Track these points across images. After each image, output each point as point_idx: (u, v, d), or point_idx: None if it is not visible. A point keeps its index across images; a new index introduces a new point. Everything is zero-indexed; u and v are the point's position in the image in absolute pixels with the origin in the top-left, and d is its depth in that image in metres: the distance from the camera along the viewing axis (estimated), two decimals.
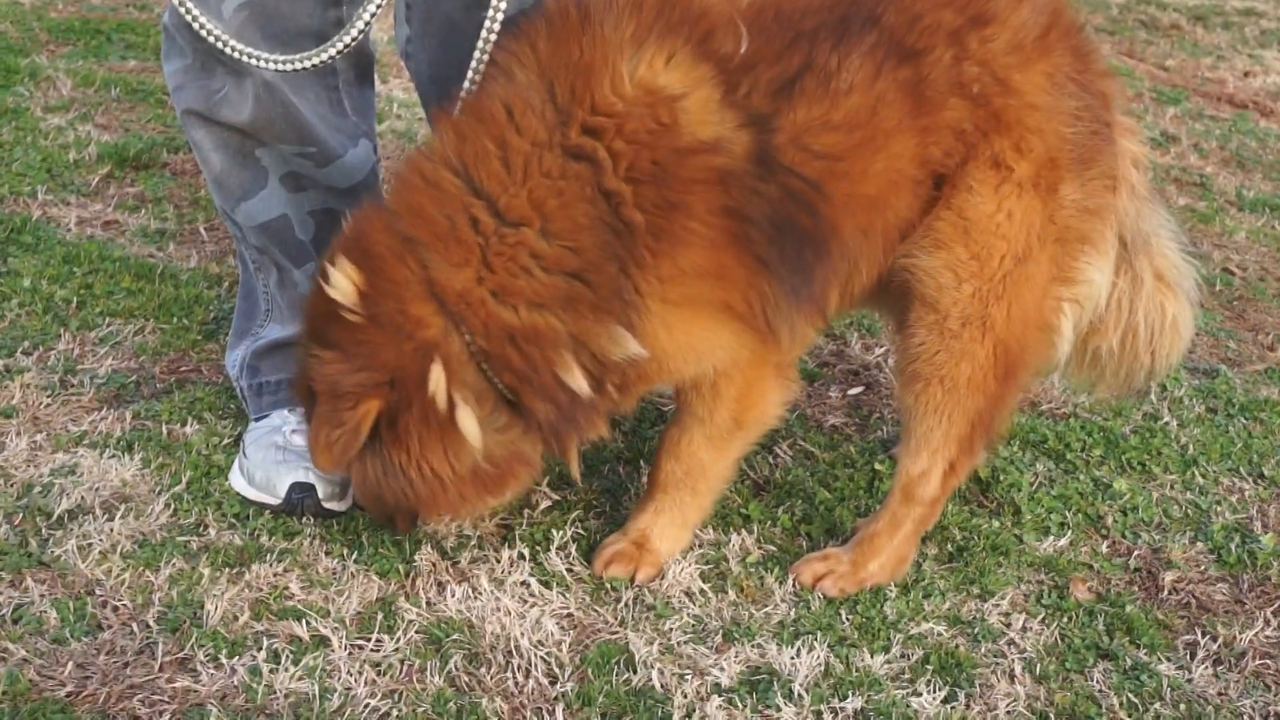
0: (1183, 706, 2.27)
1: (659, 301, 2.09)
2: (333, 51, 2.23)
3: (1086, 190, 2.24)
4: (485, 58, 2.20)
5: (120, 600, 2.23)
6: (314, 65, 2.25)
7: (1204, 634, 2.47)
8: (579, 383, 2.09)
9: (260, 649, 2.14)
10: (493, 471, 2.19)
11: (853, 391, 3.22)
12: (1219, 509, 2.87)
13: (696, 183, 2.04)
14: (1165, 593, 2.59)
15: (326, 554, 2.39)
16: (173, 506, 2.46)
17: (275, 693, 2.07)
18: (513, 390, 2.12)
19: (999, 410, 2.36)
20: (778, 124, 2.07)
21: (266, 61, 2.24)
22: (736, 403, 2.32)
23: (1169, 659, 2.38)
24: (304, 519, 2.46)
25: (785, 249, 2.11)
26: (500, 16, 2.19)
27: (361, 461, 2.14)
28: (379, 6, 2.20)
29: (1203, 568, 2.68)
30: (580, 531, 2.53)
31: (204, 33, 2.24)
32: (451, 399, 2.07)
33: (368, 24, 2.21)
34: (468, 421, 2.09)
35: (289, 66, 2.25)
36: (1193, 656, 2.40)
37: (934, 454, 2.37)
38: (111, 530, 2.36)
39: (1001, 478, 2.84)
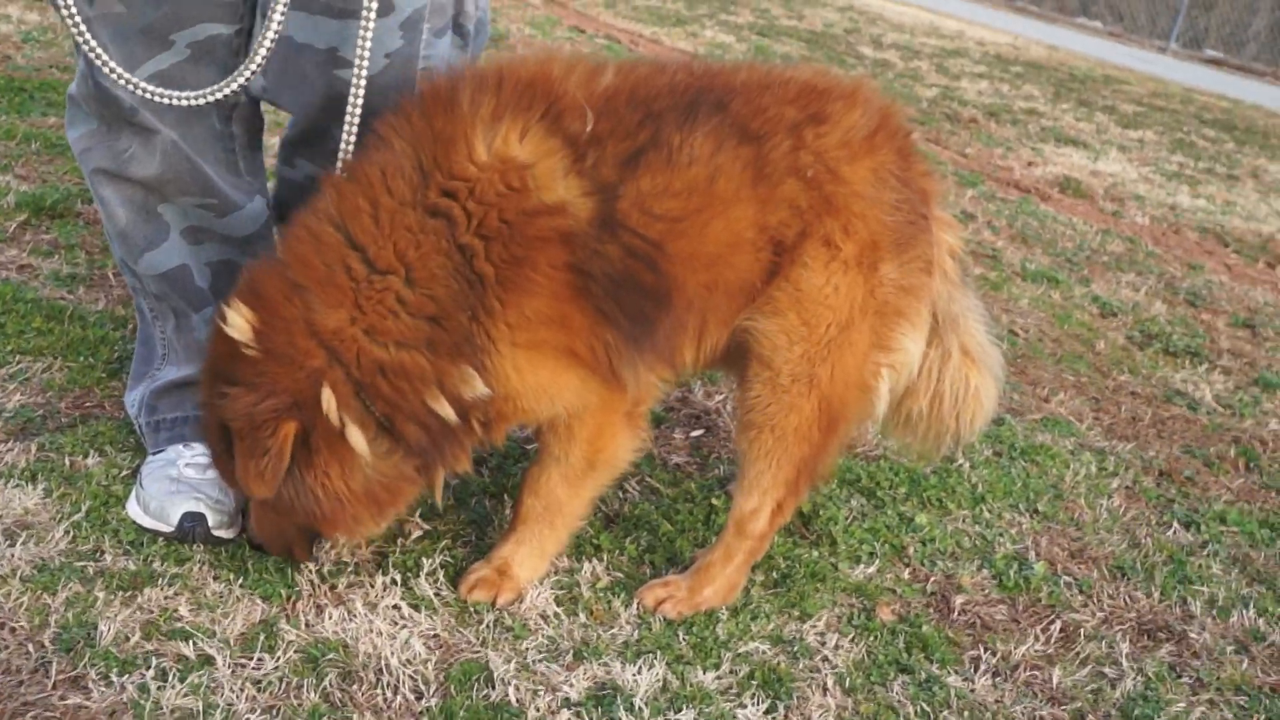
0: (967, 714, 2.30)
1: (508, 345, 2.07)
2: (233, 87, 2.14)
3: (904, 271, 2.29)
4: (355, 121, 2.17)
5: (17, 622, 2.09)
6: (216, 99, 2.15)
7: (986, 649, 2.51)
8: (446, 410, 2.07)
9: (149, 668, 2.04)
10: (382, 490, 2.13)
11: (695, 434, 3.21)
12: (1001, 540, 2.93)
13: (541, 240, 2.04)
14: (955, 614, 2.63)
15: (214, 579, 2.29)
16: (72, 534, 2.33)
17: (162, 709, 1.96)
18: (387, 417, 2.07)
19: (822, 458, 2.37)
20: (622, 191, 2.08)
21: (177, 99, 2.14)
22: (589, 445, 2.30)
23: (957, 672, 2.42)
24: (194, 546, 2.35)
25: (625, 301, 2.10)
26: (363, 81, 2.15)
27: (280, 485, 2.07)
28: (263, 59, 2.12)
29: (987, 591, 2.73)
30: (448, 559, 2.47)
31: (121, 81, 2.13)
32: (341, 419, 2.03)
33: (259, 66, 2.13)
34: (356, 438, 2.05)
35: (197, 100, 2.15)
36: (976, 669, 2.44)
37: (764, 494, 2.37)
38: (12, 555, 2.22)
39: (821, 512, 2.86)
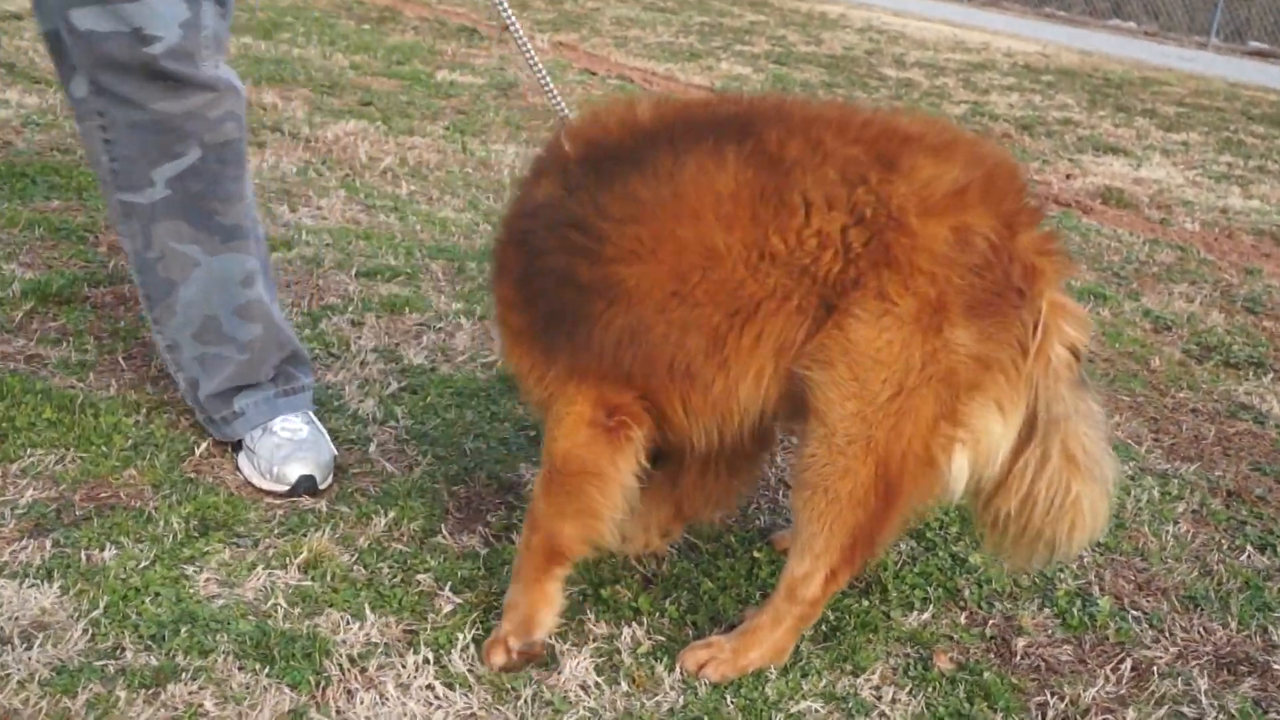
0: None
1: (502, 325, 2.43)
2: None
3: (981, 341, 2.17)
4: None
5: None
6: None
7: (1053, 694, 2.48)
8: None
9: None
10: None
11: None
12: (1062, 576, 2.90)
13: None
14: (1018, 658, 2.60)
15: (240, 668, 2.30)
16: (91, 631, 2.35)
17: None
18: None
19: (880, 527, 2.29)
20: (586, 195, 2.25)
21: None
22: (550, 441, 2.34)
23: None
24: (219, 635, 2.37)
25: (563, 296, 2.25)
26: None
27: None
28: None
29: (1050, 632, 2.70)
30: (481, 633, 2.48)
31: None
32: None
33: None
34: None
35: None
36: (1044, 716, 2.41)
37: (817, 559, 2.32)
38: (30, 659, 2.25)
39: (871, 560, 2.84)
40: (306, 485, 2.88)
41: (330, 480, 2.96)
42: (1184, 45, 20.48)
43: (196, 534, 2.68)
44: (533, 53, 2.89)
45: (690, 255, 2.19)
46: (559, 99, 2.82)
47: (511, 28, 2.84)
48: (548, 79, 2.87)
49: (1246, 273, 5.79)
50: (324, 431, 3.04)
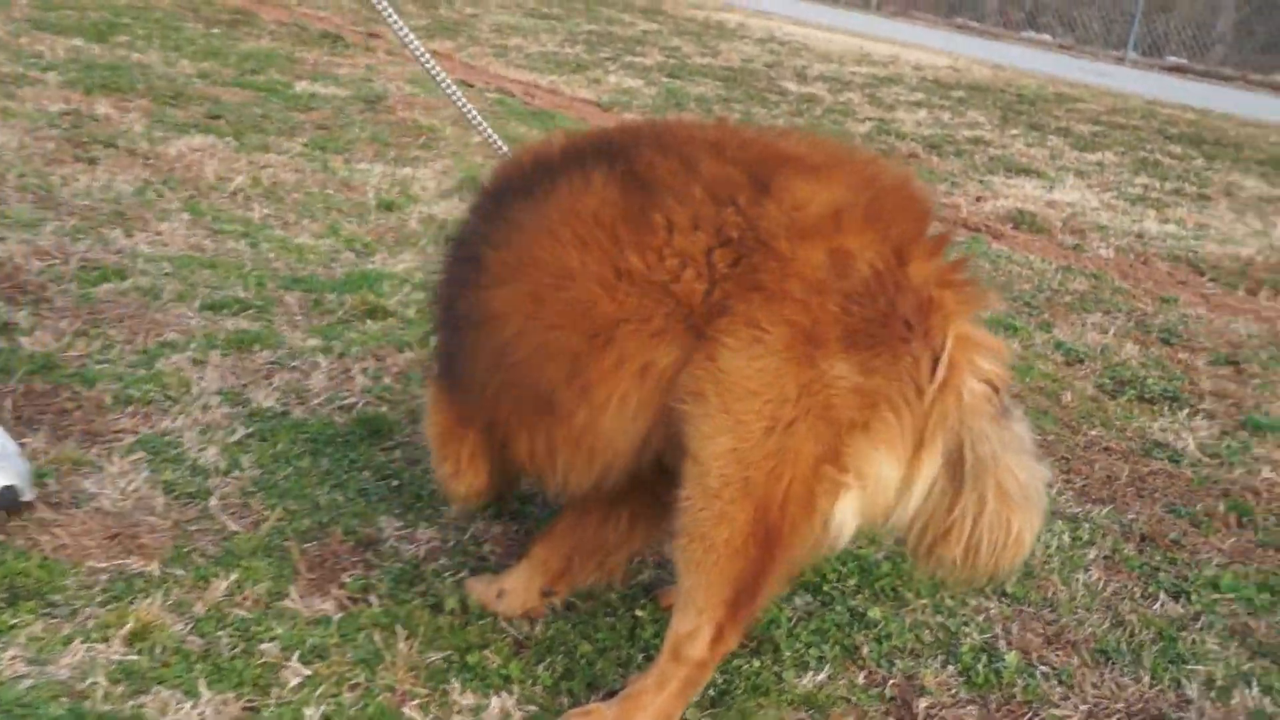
0: None
1: None
2: None
3: (864, 375, 2.19)
4: None
5: None
6: None
7: None
8: None
9: None
10: None
11: None
12: (967, 630, 2.95)
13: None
14: None
15: None
16: None
17: None
18: None
19: (763, 579, 2.30)
20: (481, 224, 2.54)
21: None
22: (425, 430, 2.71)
23: None
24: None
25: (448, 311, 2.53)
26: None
27: None
28: None
29: (954, 691, 2.75)
30: (332, 707, 2.43)
31: None
32: None
33: None
34: None
35: None
36: None
37: (700, 614, 2.33)
38: None
39: (760, 614, 2.86)
40: (8, 498, 2.85)
41: (32, 495, 2.91)
42: (1100, 59, 21.22)
43: (3, 605, 2.59)
44: (454, 87, 3.22)
45: (544, 275, 2.31)
46: (495, 136, 3.10)
47: (424, 61, 3.00)
48: (475, 112, 3.20)
49: (1162, 301, 6.00)
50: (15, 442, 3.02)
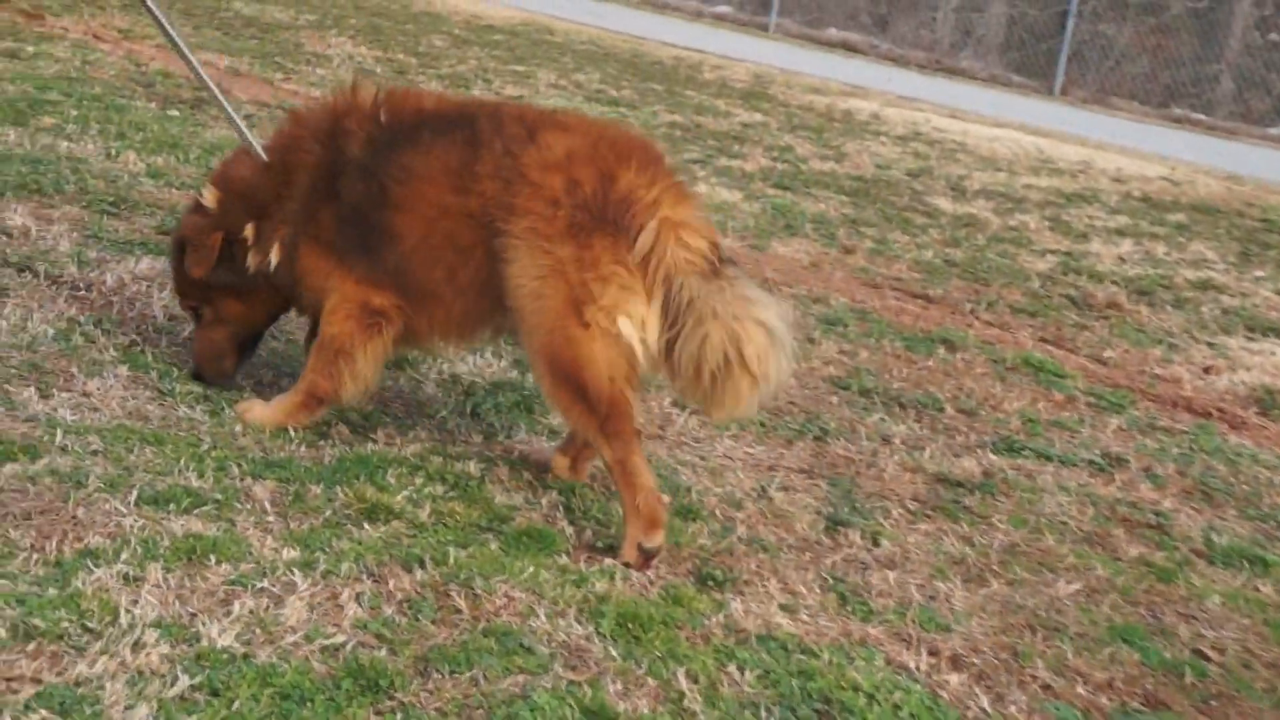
0: None
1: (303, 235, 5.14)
2: None
3: (586, 252, 4.58)
4: None
5: None
6: None
7: None
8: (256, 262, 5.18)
9: None
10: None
11: None
12: None
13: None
14: None
15: None
16: None
17: None
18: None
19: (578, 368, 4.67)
20: (382, 157, 4.96)
21: None
22: (328, 326, 5.01)
23: None
24: None
25: (359, 222, 4.98)
26: None
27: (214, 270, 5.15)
28: None
29: None
30: None
31: None
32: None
33: None
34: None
35: None
36: None
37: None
38: None
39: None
40: None
41: None
42: None
43: None
44: (228, 105, 5.66)
45: (431, 211, 4.84)
46: (251, 137, 5.32)
47: (212, 91, 5.78)
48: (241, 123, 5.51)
49: None
50: None
